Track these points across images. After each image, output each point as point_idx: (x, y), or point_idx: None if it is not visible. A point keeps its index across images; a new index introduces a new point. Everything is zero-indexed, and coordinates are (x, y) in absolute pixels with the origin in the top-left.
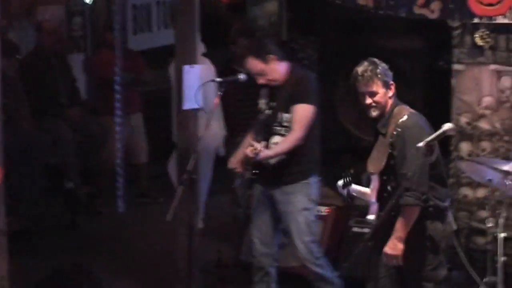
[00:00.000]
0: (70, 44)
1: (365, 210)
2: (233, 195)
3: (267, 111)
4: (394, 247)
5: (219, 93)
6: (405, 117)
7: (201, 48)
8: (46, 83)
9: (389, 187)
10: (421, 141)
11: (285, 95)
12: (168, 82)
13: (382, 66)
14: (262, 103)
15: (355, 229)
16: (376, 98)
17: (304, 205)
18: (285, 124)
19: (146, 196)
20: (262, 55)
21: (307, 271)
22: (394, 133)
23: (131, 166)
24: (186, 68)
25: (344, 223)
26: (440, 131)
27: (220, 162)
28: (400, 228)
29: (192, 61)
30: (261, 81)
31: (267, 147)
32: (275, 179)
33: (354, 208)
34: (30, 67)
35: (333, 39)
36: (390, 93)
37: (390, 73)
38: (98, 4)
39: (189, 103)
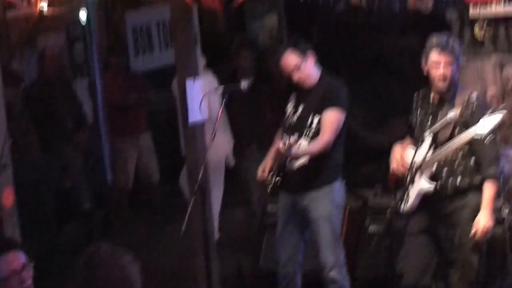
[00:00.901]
0: (73, 69)
1: (380, 210)
2: (247, 205)
3: (295, 114)
4: (488, 219)
5: (222, 101)
6: (474, 94)
7: (202, 61)
8: (52, 110)
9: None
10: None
11: (316, 99)
12: (173, 100)
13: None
14: (290, 106)
15: (372, 229)
16: (450, 70)
17: (329, 211)
18: (313, 126)
19: (160, 214)
20: (301, 49)
21: (325, 277)
22: (469, 106)
23: (143, 186)
24: (189, 82)
25: (359, 223)
26: (444, 119)
27: (231, 173)
28: (491, 200)
29: (194, 74)
30: (295, 77)
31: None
32: (299, 184)
33: (369, 208)
34: (35, 95)
35: (332, 45)
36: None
37: None
38: (98, 28)
39: (194, 116)
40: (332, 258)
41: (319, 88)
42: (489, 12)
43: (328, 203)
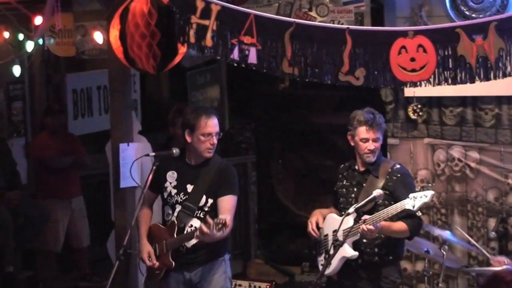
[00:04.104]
0: (10, 128)
1: (306, 286)
2: None
3: (182, 192)
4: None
5: (152, 167)
6: (398, 165)
7: (137, 126)
8: None
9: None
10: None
11: (209, 179)
12: (107, 164)
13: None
14: (171, 180)
15: None
16: (378, 145)
17: (221, 283)
18: (206, 209)
19: (87, 280)
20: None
21: None
22: (393, 177)
23: (73, 249)
24: (122, 146)
25: None
26: (370, 197)
27: None
28: (391, 225)
29: (128, 139)
30: (214, 140)
31: (183, 230)
32: (191, 261)
33: (295, 284)
34: None
35: (268, 120)
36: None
37: None
38: (37, 89)
39: (126, 181)
40: None
41: (209, 166)
42: (424, 93)
43: (220, 275)
